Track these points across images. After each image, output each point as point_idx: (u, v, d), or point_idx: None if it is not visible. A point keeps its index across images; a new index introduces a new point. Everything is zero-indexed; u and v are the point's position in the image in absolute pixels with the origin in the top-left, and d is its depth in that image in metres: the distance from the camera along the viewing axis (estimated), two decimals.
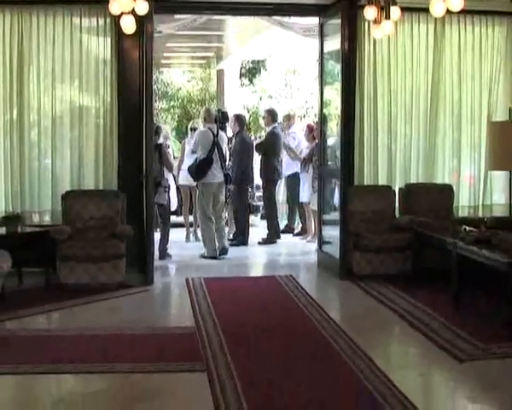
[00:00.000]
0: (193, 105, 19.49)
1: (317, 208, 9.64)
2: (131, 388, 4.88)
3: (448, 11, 6.85)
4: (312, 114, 16.02)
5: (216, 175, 9.77)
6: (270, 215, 11.14)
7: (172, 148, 13.48)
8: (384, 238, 8.09)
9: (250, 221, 11.27)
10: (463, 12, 7.81)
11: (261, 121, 16.78)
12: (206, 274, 8.54)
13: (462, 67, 8.86)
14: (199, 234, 10.68)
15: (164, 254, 9.57)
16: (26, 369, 5.09)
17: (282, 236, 11.38)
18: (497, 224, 7.68)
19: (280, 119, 11.94)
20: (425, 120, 8.82)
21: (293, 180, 11.53)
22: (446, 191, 8.75)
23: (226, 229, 10.51)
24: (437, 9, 6.80)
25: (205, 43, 14.22)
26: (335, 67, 9.01)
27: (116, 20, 7.63)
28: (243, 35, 12.99)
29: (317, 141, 10.30)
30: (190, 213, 11.41)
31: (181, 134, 17.86)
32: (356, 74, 8.46)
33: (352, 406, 4.61)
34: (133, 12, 7.17)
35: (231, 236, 10.91)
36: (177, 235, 10.78)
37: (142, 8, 7.14)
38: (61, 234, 7.55)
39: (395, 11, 7.35)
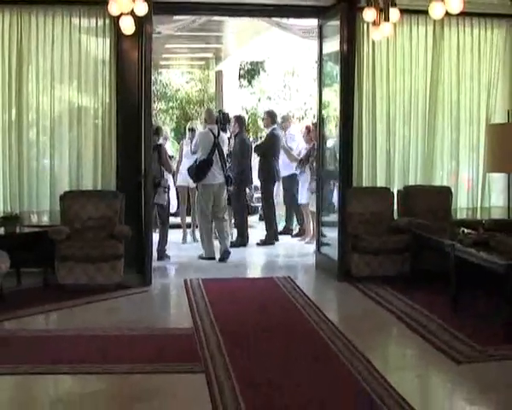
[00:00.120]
0: (191, 106, 19.48)
1: (315, 210, 9.64)
2: (130, 388, 4.88)
3: (447, 13, 6.86)
4: (311, 115, 16.03)
5: (216, 176, 9.71)
6: (269, 217, 11.14)
7: (170, 149, 13.48)
8: (382, 240, 8.09)
9: (248, 222, 11.26)
10: (462, 14, 7.80)
11: (260, 123, 16.81)
12: (204, 275, 8.54)
13: (461, 69, 8.88)
14: (197, 235, 10.67)
15: (162, 255, 9.58)
16: (25, 369, 5.09)
17: (281, 237, 11.38)
18: (496, 226, 7.71)
19: (278, 120, 11.95)
20: (423, 121, 8.84)
21: (291, 181, 11.54)
22: (445, 193, 8.76)
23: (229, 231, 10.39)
24: (436, 11, 6.80)
25: (203, 45, 14.24)
26: (334, 69, 9.02)
27: (115, 20, 7.63)
28: (242, 36, 13.00)
29: (314, 142, 10.31)
30: (188, 215, 11.42)
31: (179, 135, 17.85)
32: (355, 76, 8.47)
33: (350, 407, 4.61)
34: (132, 13, 7.18)
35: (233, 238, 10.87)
36: (174, 236, 10.79)
37: (142, 9, 7.15)
38: (59, 234, 7.55)
39: (394, 13, 7.36)
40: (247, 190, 11.19)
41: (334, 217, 8.78)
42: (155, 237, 9.11)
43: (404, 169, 8.85)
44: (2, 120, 8.07)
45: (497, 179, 9.04)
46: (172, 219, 10.85)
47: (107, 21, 8.04)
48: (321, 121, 9.30)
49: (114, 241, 7.68)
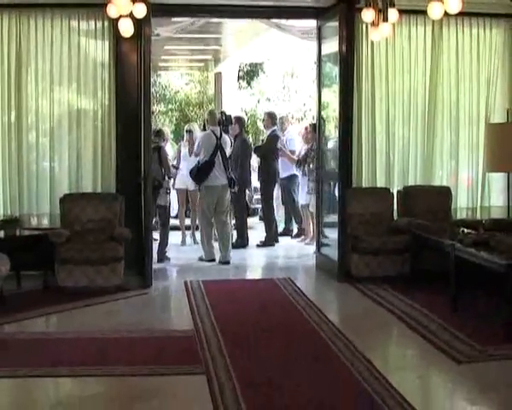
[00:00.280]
0: (191, 108, 19.48)
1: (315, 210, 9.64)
2: (130, 390, 4.88)
3: (446, 13, 6.86)
4: (310, 116, 16.03)
5: (218, 178, 9.60)
6: (269, 218, 11.13)
7: (171, 150, 13.46)
8: (382, 240, 8.09)
9: (248, 224, 11.26)
10: (461, 14, 7.80)
11: (259, 124, 16.81)
12: (204, 277, 8.54)
13: (460, 69, 8.88)
14: (197, 237, 10.67)
15: (162, 257, 9.57)
16: (24, 372, 5.09)
17: (280, 238, 11.37)
18: (495, 226, 7.71)
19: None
20: (423, 121, 8.84)
21: (289, 182, 11.54)
22: (444, 193, 8.75)
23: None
24: (435, 12, 6.80)
25: (203, 46, 14.24)
26: (333, 70, 9.03)
27: (114, 23, 7.64)
28: (241, 38, 13.00)
29: (312, 143, 10.31)
30: (187, 217, 11.40)
31: (179, 137, 17.86)
32: (354, 77, 8.47)
33: (351, 407, 4.61)
34: (131, 15, 7.19)
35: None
36: (174, 238, 10.79)
37: (140, 11, 7.16)
38: (59, 237, 7.55)
39: (393, 13, 7.36)
40: (247, 191, 11.17)
41: (333, 218, 8.78)
42: (156, 237, 9.11)
43: (403, 169, 8.85)
44: (2, 123, 8.09)
45: (497, 179, 9.03)
46: (171, 222, 10.82)
47: (106, 24, 8.05)
48: (320, 122, 9.31)
49: (114, 243, 7.68)
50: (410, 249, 7.84)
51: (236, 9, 8.72)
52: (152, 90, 9.33)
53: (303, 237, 11.38)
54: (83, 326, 6.40)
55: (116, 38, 7.95)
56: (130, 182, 8.05)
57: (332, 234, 8.67)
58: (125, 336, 6.09)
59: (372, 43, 8.47)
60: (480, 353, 5.51)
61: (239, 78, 18.22)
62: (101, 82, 8.18)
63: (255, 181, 11.98)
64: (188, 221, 11.39)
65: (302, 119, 16.99)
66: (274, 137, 11.22)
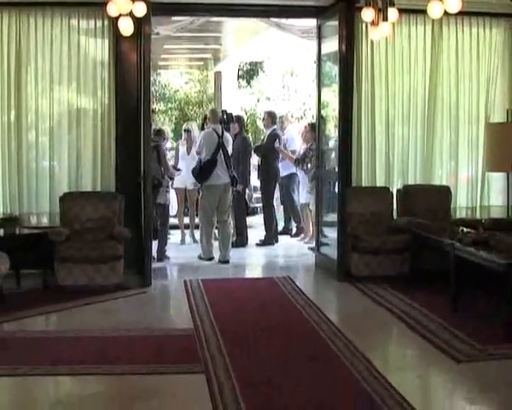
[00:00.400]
0: (190, 107, 19.48)
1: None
2: (130, 389, 4.88)
3: (446, 13, 6.86)
4: (310, 115, 16.03)
5: (220, 177, 9.57)
6: (268, 217, 11.13)
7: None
8: (382, 240, 8.09)
9: (248, 223, 11.25)
10: (461, 13, 7.79)
11: (259, 123, 16.80)
12: (203, 276, 8.54)
13: (460, 68, 8.87)
14: (196, 236, 10.66)
15: (162, 256, 9.56)
16: (24, 371, 5.09)
17: (280, 237, 11.36)
18: (495, 225, 7.71)
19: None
20: (423, 121, 8.83)
21: (289, 181, 11.54)
22: (444, 193, 8.75)
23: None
24: (435, 11, 6.80)
25: (202, 45, 14.22)
26: (333, 69, 9.03)
27: (114, 21, 7.63)
28: (241, 37, 13.00)
29: (311, 142, 10.31)
30: (186, 216, 11.40)
31: (178, 136, 17.86)
32: (353, 76, 8.46)
33: (351, 407, 4.61)
34: (131, 14, 7.19)
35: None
36: (173, 237, 10.78)
37: (140, 10, 7.16)
38: (58, 236, 7.55)
39: (393, 13, 7.36)
40: (247, 190, 11.16)
41: (333, 217, 8.78)
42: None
43: (403, 169, 8.84)
44: (2, 122, 8.07)
45: (497, 178, 9.02)
46: (171, 221, 10.81)
47: (106, 22, 8.04)
48: (320, 121, 9.30)
49: (114, 242, 7.68)
50: (410, 249, 7.83)
51: (236, 8, 8.70)
52: (152, 89, 9.32)
53: (302, 235, 11.39)
54: (82, 325, 6.40)
55: (116, 36, 7.94)
56: (129, 181, 8.05)
57: (332, 233, 8.67)
58: (124, 334, 6.09)
59: (372, 42, 8.46)
60: (479, 352, 5.51)
61: (239, 77, 18.22)
62: (101, 81, 8.17)
63: (255, 180, 11.98)
64: (186, 220, 11.37)
65: (302, 118, 16.99)
66: (274, 137, 11.21)
